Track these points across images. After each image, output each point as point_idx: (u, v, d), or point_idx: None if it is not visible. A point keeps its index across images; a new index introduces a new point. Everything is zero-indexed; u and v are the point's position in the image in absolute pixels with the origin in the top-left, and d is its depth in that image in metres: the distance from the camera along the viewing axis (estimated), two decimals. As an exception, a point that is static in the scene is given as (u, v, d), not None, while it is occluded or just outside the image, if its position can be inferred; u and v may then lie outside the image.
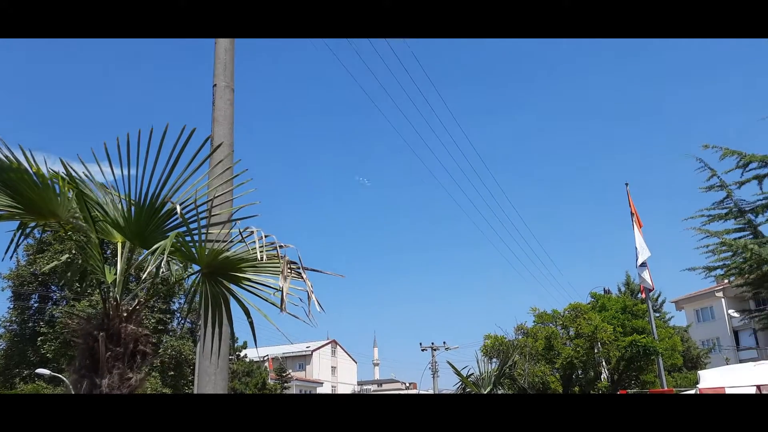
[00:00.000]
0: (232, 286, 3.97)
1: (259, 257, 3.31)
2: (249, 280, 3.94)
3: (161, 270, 3.36)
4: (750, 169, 12.13)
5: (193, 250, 3.74)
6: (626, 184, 22.04)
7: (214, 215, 3.88)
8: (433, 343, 45.64)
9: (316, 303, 3.65)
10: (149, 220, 3.83)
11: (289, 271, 3.60)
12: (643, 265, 20.25)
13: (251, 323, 3.98)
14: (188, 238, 3.71)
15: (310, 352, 67.91)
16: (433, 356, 45.38)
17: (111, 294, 3.62)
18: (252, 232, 3.41)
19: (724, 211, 12.40)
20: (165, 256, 3.34)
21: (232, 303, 4.01)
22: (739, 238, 11.70)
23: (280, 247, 3.48)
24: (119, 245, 4.00)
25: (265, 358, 46.44)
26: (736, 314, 45.13)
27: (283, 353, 61.42)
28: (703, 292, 48.95)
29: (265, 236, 3.42)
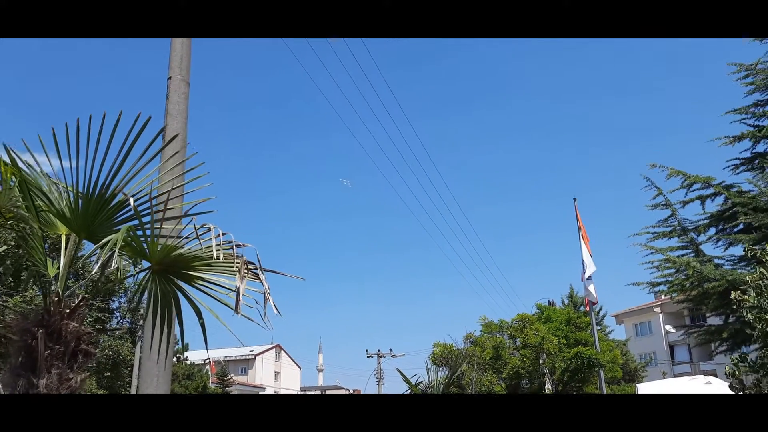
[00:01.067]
0: (184, 285, 3.80)
1: (215, 255, 3.17)
2: (202, 279, 3.78)
3: (112, 264, 3.18)
4: (694, 190, 12.58)
5: (144, 245, 3.56)
6: (574, 199, 22.57)
7: (168, 209, 3.71)
8: (379, 350, 45.60)
9: (273, 306, 3.53)
10: (98, 212, 3.63)
11: (245, 271, 3.46)
12: (589, 278, 20.76)
13: (203, 324, 3.81)
14: (140, 233, 3.54)
15: (253, 356, 66.79)
16: (378, 363, 45.34)
17: (53, 289, 3.40)
18: (209, 229, 3.26)
19: (669, 229, 12.80)
20: (117, 250, 3.15)
21: (183, 303, 3.84)
22: (682, 255, 12.08)
23: (238, 246, 3.34)
24: (63, 238, 3.78)
25: (207, 361, 45.41)
26: (672, 329, 46.76)
27: (226, 356, 60.19)
28: (642, 307, 50.55)
29: (222, 234, 3.27)
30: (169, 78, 7.96)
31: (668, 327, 48.50)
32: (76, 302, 3.57)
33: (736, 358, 7.36)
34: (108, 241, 3.25)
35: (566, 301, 42.05)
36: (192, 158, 3.85)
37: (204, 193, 3.81)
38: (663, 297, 47.12)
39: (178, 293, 3.81)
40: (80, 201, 3.56)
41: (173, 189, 3.65)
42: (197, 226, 3.26)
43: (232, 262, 3.66)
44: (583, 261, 20.58)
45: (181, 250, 3.59)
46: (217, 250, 3.21)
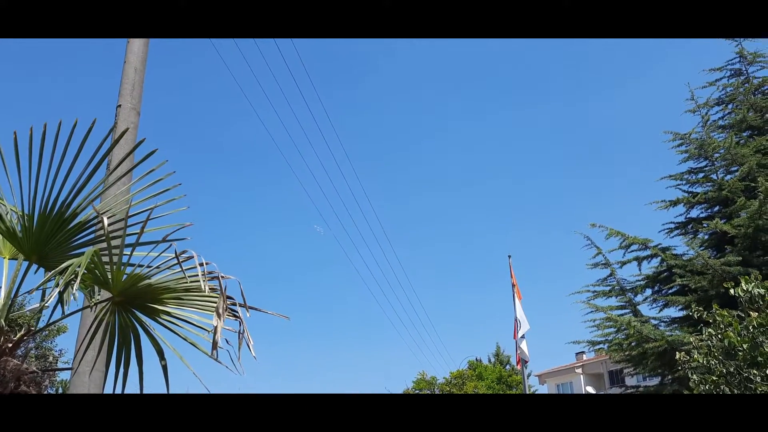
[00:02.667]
0: (147, 320, 3.36)
1: (202, 287, 2.79)
2: (169, 314, 3.36)
3: (73, 293, 2.74)
4: (632, 251, 12.94)
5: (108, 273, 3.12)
6: (509, 256, 22.90)
7: (134, 233, 3.30)
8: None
9: (250, 348, 3.15)
10: (54, 233, 3.18)
11: (224, 307, 3.08)
12: (522, 337, 20.89)
13: (165, 366, 3.36)
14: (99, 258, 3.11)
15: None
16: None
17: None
18: (190, 257, 2.88)
19: (608, 288, 13.05)
20: (79, 277, 2.73)
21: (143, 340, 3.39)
22: (622, 315, 12.29)
23: (222, 277, 2.97)
24: (5, 261, 3.30)
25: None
26: (592, 391, 47.68)
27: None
28: (565, 368, 51.43)
29: (206, 263, 2.90)
30: (119, 106, 7.49)
31: (589, 388, 49.48)
32: (19, 335, 3.08)
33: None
34: (69, 266, 2.82)
35: (493, 359, 42.31)
36: (167, 179, 3.47)
37: (178, 218, 3.43)
38: (584, 358, 48.22)
39: (139, 329, 3.37)
40: (35, 219, 3.11)
41: (146, 211, 3.25)
42: (178, 253, 2.87)
43: (208, 296, 3.28)
44: (516, 319, 20.74)
45: (150, 281, 3.17)
46: (200, 281, 2.83)
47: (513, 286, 21.75)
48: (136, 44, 7.19)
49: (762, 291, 6.86)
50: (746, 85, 13.22)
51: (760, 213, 10.45)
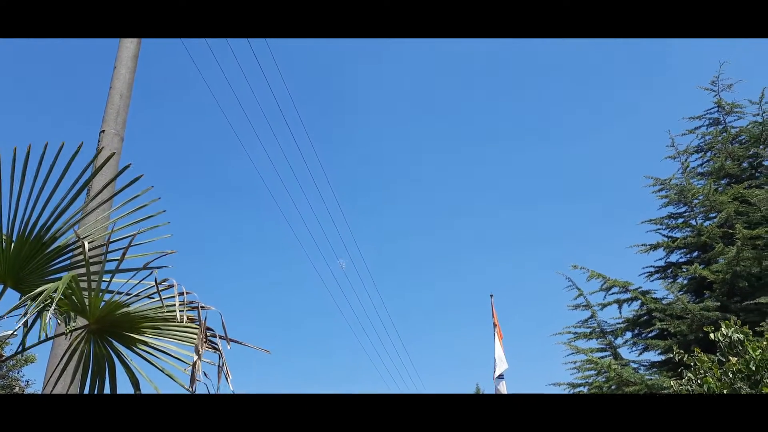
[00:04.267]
0: (123, 350, 3.28)
1: (178, 318, 2.72)
2: (146, 344, 3.28)
3: (48, 319, 2.66)
4: (612, 293, 12.98)
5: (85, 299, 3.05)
6: (491, 296, 22.87)
7: (114, 259, 3.24)
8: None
9: (228, 382, 3.07)
10: (32, 257, 3.11)
11: (203, 339, 3.02)
12: (500, 377, 20.73)
13: (139, 398, 3.27)
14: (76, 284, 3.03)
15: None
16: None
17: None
18: (171, 286, 2.82)
19: (589, 330, 13.04)
20: (54, 302, 2.65)
21: (120, 371, 3.30)
22: (602, 357, 12.27)
23: (202, 308, 2.91)
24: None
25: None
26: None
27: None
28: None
29: (186, 293, 2.84)
30: (102, 131, 7.45)
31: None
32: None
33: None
34: (45, 290, 2.75)
35: (472, 399, 41.75)
36: (151, 206, 3.42)
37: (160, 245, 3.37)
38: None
39: (115, 359, 3.28)
40: (12, 242, 3.04)
41: (127, 237, 3.20)
42: (158, 282, 2.81)
43: (187, 327, 3.21)
44: (495, 359, 20.61)
45: (129, 309, 3.10)
46: (180, 311, 2.77)
47: (494, 325, 21.69)
48: (123, 70, 7.19)
49: (741, 336, 6.90)
50: (724, 134, 13.53)
51: (737, 260, 10.59)
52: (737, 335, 6.91)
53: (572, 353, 12.39)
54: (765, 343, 6.31)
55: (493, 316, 22.18)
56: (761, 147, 12.77)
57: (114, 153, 5.98)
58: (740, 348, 6.81)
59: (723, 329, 6.99)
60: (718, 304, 10.71)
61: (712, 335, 7.22)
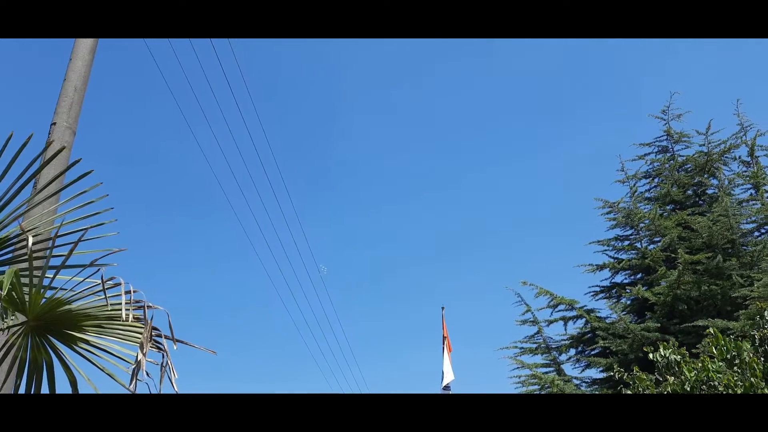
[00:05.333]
0: (63, 348, 3.19)
1: (123, 316, 2.67)
2: (87, 342, 3.20)
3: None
4: (559, 310, 13.28)
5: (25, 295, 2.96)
6: (442, 308, 23.05)
7: (59, 255, 3.16)
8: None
9: (172, 382, 3.03)
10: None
11: (148, 338, 2.97)
12: (447, 387, 20.89)
13: (77, 398, 3.18)
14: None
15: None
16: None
17: None
18: (117, 284, 2.77)
19: (535, 345, 13.30)
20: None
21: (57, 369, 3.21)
22: (546, 373, 12.51)
23: (148, 307, 2.86)
24: None
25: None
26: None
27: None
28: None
29: (134, 291, 2.79)
30: (53, 123, 7.23)
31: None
32: None
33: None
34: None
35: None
36: (99, 202, 3.35)
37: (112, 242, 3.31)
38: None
39: (53, 357, 3.19)
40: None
41: (75, 232, 3.12)
42: (105, 279, 2.75)
43: (132, 326, 3.15)
44: (442, 370, 20.77)
45: (71, 306, 3.03)
46: (126, 310, 2.72)
47: (444, 338, 21.85)
48: (79, 63, 6.99)
49: (678, 357, 7.16)
50: (671, 161, 14.06)
51: (678, 283, 10.99)
52: (674, 356, 7.17)
53: (518, 367, 12.62)
54: (700, 364, 6.56)
55: (443, 329, 22.34)
56: (705, 176, 13.31)
57: (65, 147, 5.82)
58: (677, 368, 7.06)
59: (661, 350, 7.24)
60: (659, 325, 11.07)
61: (651, 355, 7.47)
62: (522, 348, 13.25)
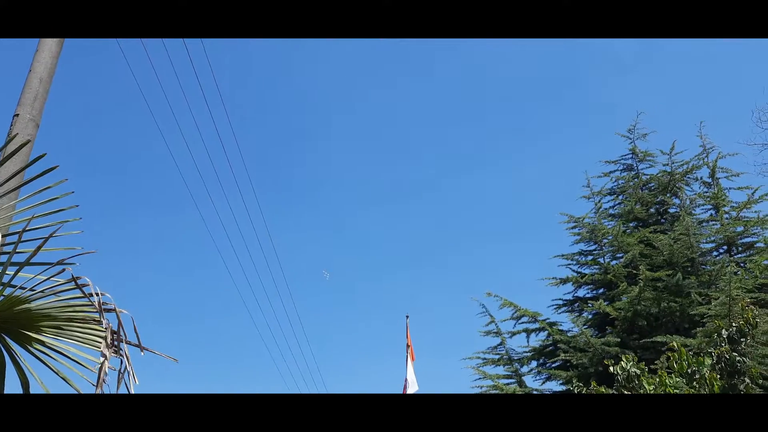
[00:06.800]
0: (17, 349, 3.08)
1: (102, 320, 2.59)
2: (43, 343, 3.09)
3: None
4: (522, 322, 13.41)
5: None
6: (407, 316, 23.05)
7: (21, 251, 3.05)
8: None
9: (129, 388, 2.94)
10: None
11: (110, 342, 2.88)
12: (409, 397, 20.90)
13: (30, 401, 3.06)
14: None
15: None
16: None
17: None
18: (83, 285, 2.68)
19: (497, 356, 13.38)
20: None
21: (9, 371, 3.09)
22: (507, 384, 12.60)
23: (114, 311, 2.78)
24: None
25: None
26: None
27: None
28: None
29: (101, 294, 2.71)
30: (16, 115, 7.02)
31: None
32: None
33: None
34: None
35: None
36: (63, 199, 3.25)
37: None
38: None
39: (6, 357, 3.07)
40: None
41: (36, 229, 3.02)
42: (76, 278, 2.66)
43: (92, 329, 3.06)
44: (406, 379, 20.75)
45: (30, 305, 2.92)
46: (85, 311, 2.64)
47: (407, 346, 21.83)
48: (45, 54, 6.82)
49: (637, 371, 7.28)
50: (636, 180, 14.38)
51: (639, 299, 11.20)
52: (634, 369, 7.29)
53: (480, 378, 12.68)
54: (658, 379, 6.68)
55: (407, 337, 22.33)
56: (668, 195, 13.63)
57: (29, 140, 5.65)
58: (636, 382, 7.18)
59: (623, 363, 7.35)
60: (619, 340, 11.26)
61: (612, 368, 7.58)
62: (485, 359, 13.32)
